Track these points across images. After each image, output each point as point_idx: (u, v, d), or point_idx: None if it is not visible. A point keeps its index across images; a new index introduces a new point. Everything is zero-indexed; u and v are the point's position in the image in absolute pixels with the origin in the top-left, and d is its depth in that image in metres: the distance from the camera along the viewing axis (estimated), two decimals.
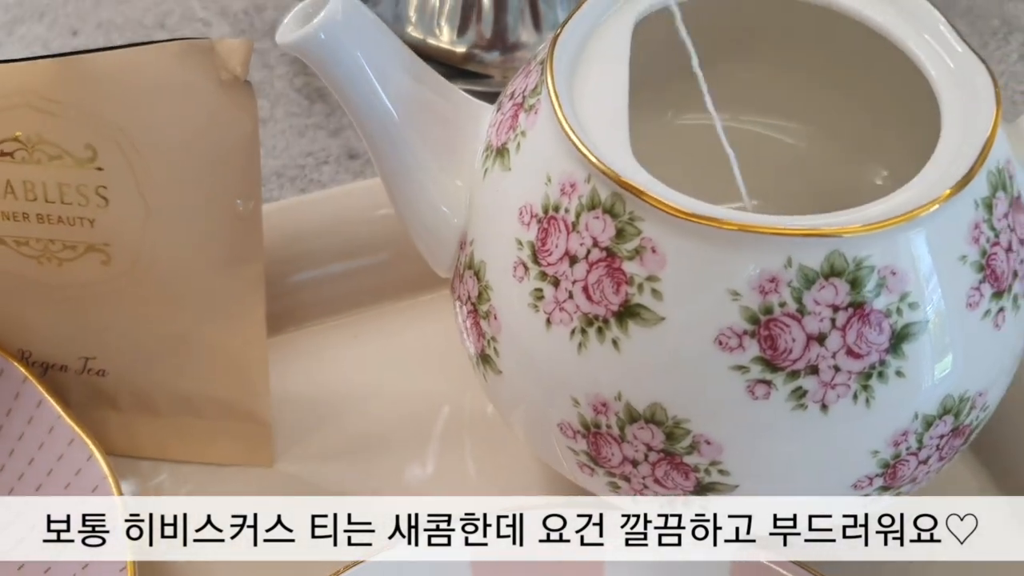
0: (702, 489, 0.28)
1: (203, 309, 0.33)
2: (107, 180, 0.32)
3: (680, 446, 0.27)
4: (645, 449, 0.28)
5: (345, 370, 0.38)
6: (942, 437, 0.28)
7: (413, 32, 0.44)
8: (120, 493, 0.30)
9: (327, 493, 0.35)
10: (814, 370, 0.26)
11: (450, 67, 0.44)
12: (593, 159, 0.27)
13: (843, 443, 0.27)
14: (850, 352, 0.26)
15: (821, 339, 0.26)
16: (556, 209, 0.27)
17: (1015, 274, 0.28)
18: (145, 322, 0.33)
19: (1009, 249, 0.27)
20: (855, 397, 0.26)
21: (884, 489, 0.28)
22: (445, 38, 0.44)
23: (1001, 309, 0.27)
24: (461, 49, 0.44)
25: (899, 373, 0.26)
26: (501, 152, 0.29)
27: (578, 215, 0.27)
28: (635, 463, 0.28)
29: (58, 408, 0.32)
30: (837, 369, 0.26)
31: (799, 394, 0.26)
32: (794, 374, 0.26)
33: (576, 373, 0.28)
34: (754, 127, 0.37)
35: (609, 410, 0.27)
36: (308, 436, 0.36)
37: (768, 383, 0.26)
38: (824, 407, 0.26)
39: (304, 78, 0.46)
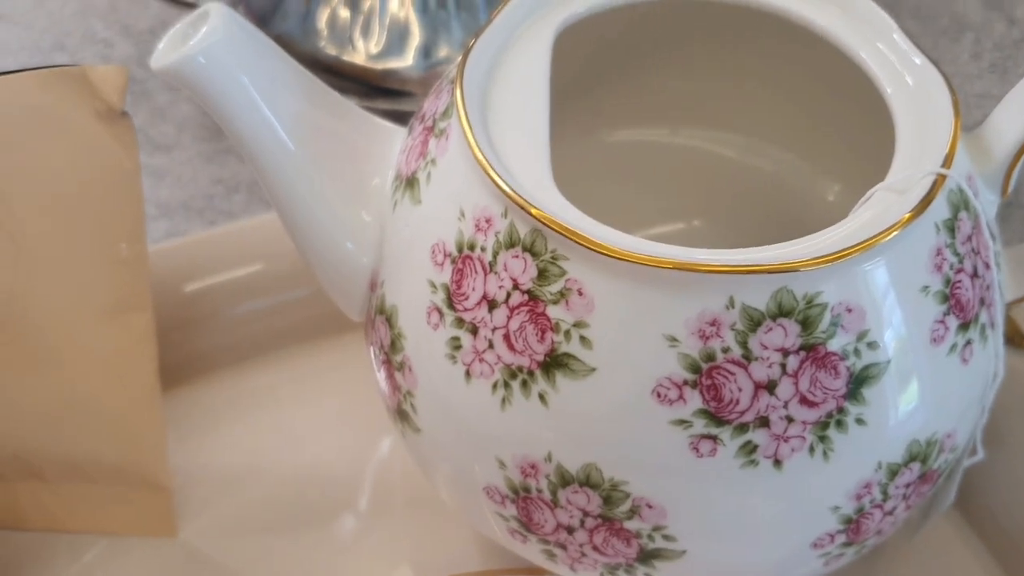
0: (646, 556, 0.25)
1: (87, 365, 0.30)
2: None
3: (619, 511, 0.24)
4: (581, 515, 0.25)
5: (261, 424, 0.34)
6: (908, 485, 0.25)
7: (327, 49, 0.41)
8: None
9: (235, 571, 0.31)
10: (764, 422, 0.23)
11: (369, 85, 0.41)
12: (509, 191, 0.24)
13: (800, 500, 0.24)
14: (804, 400, 0.23)
15: (771, 387, 0.23)
16: (471, 247, 0.24)
17: (982, 301, 0.25)
18: (22, 382, 0.30)
19: (974, 275, 0.25)
20: (811, 449, 0.23)
21: (846, 545, 0.26)
22: (361, 54, 0.41)
23: (968, 342, 0.25)
24: (379, 65, 0.40)
25: (859, 421, 0.23)
26: (411, 182, 0.26)
27: (495, 254, 0.24)
28: (570, 530, 0.25)
29: None
30: (790, 420, 0.23)
31: (749, 449, 0.23)
32: (742, 427, 0.23)
33: (500, 432, 0.25)
34: (694, 141, 0.35)
35: (539, 472, 0.24)
36: (218, 502, 0.33)
37: (714, 438, 0.23)
38: (777, 462, 0.23)
39: None
